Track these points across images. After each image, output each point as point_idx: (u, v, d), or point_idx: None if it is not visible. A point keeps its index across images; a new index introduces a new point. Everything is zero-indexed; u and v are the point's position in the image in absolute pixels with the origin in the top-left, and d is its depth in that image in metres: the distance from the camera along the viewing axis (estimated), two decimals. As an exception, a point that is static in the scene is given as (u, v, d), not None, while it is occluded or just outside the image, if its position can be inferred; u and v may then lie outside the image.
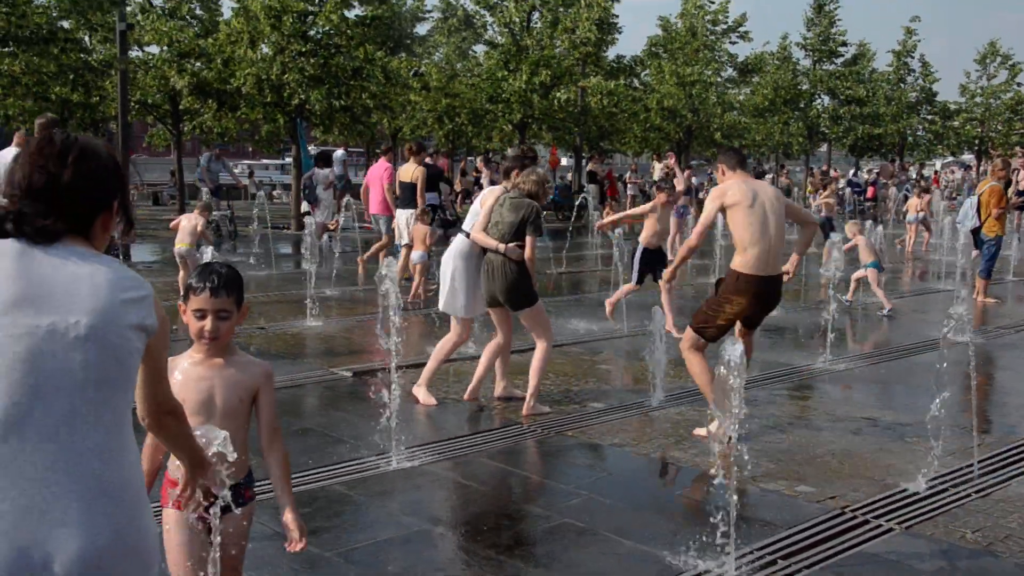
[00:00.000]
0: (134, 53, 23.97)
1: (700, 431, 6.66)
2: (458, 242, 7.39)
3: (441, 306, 7.50)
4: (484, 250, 7.11)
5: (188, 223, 11.56)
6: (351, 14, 23.32)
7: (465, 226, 7.42)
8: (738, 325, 6.78)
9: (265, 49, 22.43)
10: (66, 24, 21.82)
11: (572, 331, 10.59)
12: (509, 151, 7.16)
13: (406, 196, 13.18)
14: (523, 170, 7.25)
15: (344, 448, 6.22)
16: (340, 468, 5.83)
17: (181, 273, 11.60)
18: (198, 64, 22.88)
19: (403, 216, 13.21)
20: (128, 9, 21.84)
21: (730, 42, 38.23)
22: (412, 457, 6.05)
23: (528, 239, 6.91)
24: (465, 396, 7.49)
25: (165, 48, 22.94)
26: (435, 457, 6.09)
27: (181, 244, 11.52)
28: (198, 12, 25.11)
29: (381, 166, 14.34)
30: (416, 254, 12.35)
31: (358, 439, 6.41)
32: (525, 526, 5.05)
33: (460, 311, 7.32)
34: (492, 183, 14.90)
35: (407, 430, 6.47)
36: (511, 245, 6.88)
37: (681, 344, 6.82)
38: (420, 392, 7.37)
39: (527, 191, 7.08)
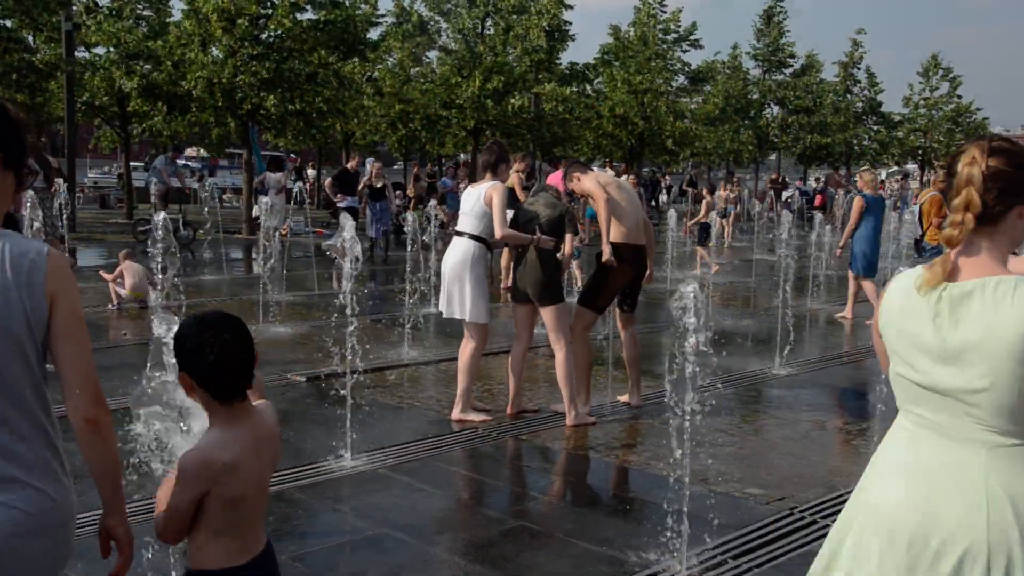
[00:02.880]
0: (81, 54, 23.62)
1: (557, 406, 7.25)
2: (459, 246, 7.06)
3: (446, 313, 7.15)
4: (491, 252, 7.16)
5: (134, 272, 11.37)
6: (304, 18, 23.21)
7: (458, 226, 7.19)
8: (620, 319, 7.50)
9: (216, 52, 22.22)
10: (8, 23, 21.42)
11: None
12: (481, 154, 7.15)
13: None
14: (499, 165, 7.15)
15: (298, 453, 6.19)
16: (294, 473, 5.81)
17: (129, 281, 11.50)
18: (147, 66, 22.60)
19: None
20: (74, 9, 21.51)
21: (681, 51, 38.67)
22: (366, 461, 6.05)
23: (568, 236, 7.14)
24: (508, 412, 7.27)
25: (112, 49, 22.62)
26: (389, 461, 6.09)
27: (138, 294, 11.29)
28: (146, 13, 24.79)
29: None
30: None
31: (312, 444, 6.39)
32: (479, 529, 5.07)
33: (480, 317, 7.03)
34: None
35: (361, 434, 6.46)
36: (545, 237, 6.98)
37: (575, 325, 7.22)
38: (466, 415, 7.09)
39: (557, 192, 7.41)
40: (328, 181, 20.06)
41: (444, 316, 7.26)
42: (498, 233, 6.95)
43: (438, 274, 7.89)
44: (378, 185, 18.64)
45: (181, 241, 18.29)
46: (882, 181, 46.08)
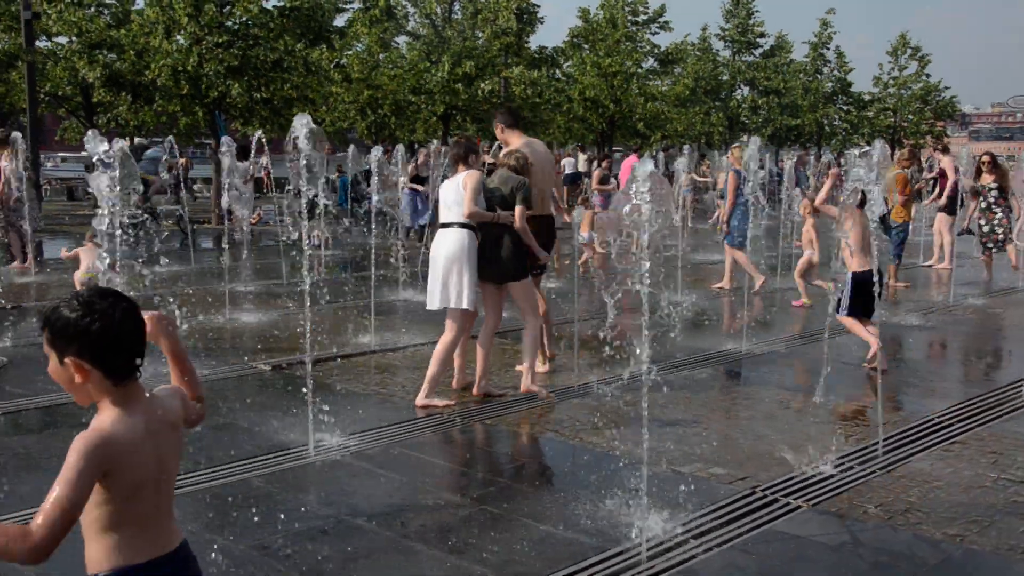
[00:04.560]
0: (42, 43, 23.28)
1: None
2: (452, 235, 7.12)
3: (437, 304, 7.16)
4: (480, 236, 7.19)
5: (88, 254, 11.15)
6: (270, 4, 23.00)
7: (444, 219, 7.25)
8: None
9: (181, 40, 21.96)
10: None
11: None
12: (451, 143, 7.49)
13: None
14: (469, 156, 7.35)
15: (262, 442, 6.16)
16: (257, 461, 5.78)
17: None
18: (111, 55, 22.31)
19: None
20: (34, -2, 21.19)
21: (651, 33, 38.66)
22: (329, 449, 6.03)
23: (517, 208, 7.19)
24: (474, 391, 7.40)
25: (74, 39, 22.31)
26: (353, 449, 6.08)
27: (83, 274, 11.05)
28: (108, 1, 24.46)
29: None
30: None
31: (276, 432, 6.36)
32: (441, 515, 5.08)
33: (473, 304, 7.12)
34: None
35: (325, 423, 6.44)
36: (504, 213, 7.14)
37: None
38: (431, 400, 7.10)
39: (511, 167, 7.43)
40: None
41: (436, 308, 7.22)
42: (465, 211, 7.08)
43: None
44: (424, 174, 18.31)
45: (183, 230, 18.25)
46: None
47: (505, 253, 7.18)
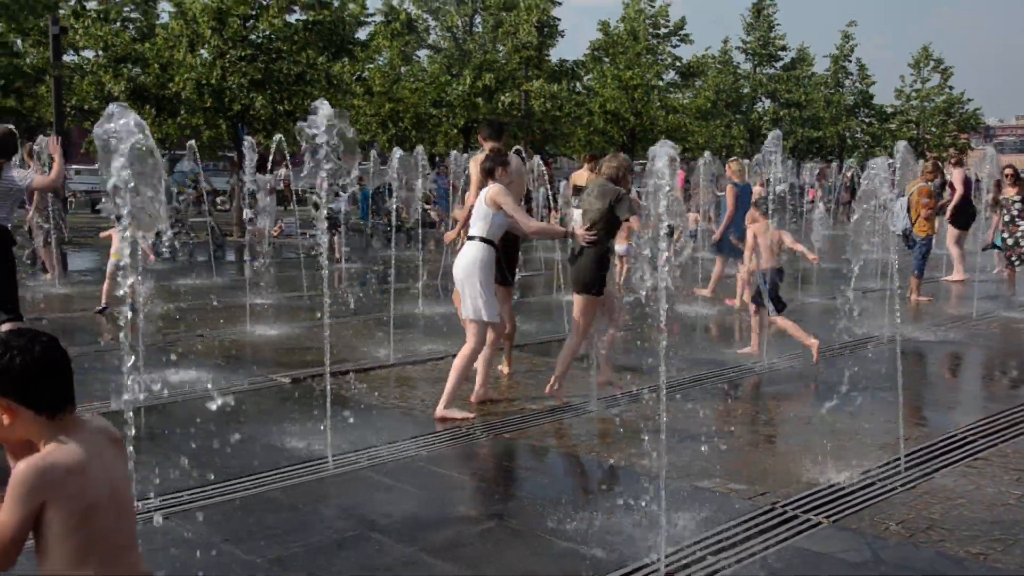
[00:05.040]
0: (69, 57, 23.57)
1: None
2: (468, 249, 7.21)
3: (468, 314, 7.22)
4: (498, 252, 7.28)
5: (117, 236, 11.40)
6: (293, 18, 23.19)
7: (473, 232, 7.27)
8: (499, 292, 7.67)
9: (205, 53, 22.18)
10: (-4, 28, 21.41)
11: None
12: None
13: None
14: (496, 170, 7.31)
15: (281, 454, 6.18)
16: (277, 474, 5.80)
17: (107, 283, 11.58)
18: (135, 69, 22.55)
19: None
20: (61, 13, 21.46)
21: (672, 46, 38.66)
22: (348, 462, 6.04)
23: (632, 219, 7.22)
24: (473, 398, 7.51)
25: (100, 53, 22.58)
26: (371, 462, 6.09)
27: (114, 256, 11.36)
28: (133, 16, 24.74)
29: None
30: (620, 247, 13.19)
31: (295, 445, 6.38)
32: (459, 528, 5.07)
33: (492, 315, 7.16)
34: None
35: (344, 435, 6.46)
36: (581, 232, 7.20)
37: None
38: (449, 412, 7.14)
39: (608, 176, 7.41)
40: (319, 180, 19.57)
41: (464, 316, 7.37)
42: (527, 229, 7.30)
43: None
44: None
45: (216, 243, 18.49)
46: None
47: (583, 263, 7.28)
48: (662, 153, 4.66)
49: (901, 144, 9.34)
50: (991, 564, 4.65)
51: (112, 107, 3.83)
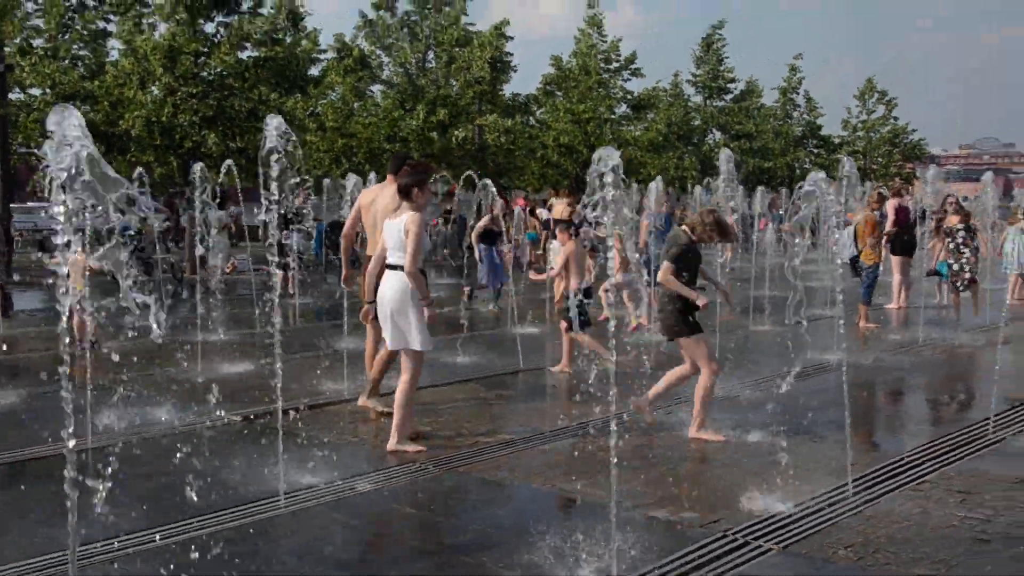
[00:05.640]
0: (15, 95, 23.32)
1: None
2: (395, 279, 7.07)
3: (399, 345, 7.16)
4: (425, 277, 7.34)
5: (79, 262, 11.16)
6: (245, 55, 23.16)
7: (393, 261, 7.12)
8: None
9: (156, 91, 22.07)
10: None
11: (467, 367, 10.65)
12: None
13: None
14: (412, 190, 7.01)
15: (232, 493, 6.12)
16: (228, 513, 5.74)
17: (74, 317, 11.26)
18: (84, 107, 22.36)
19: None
20: (7, 50, 21.25)
21: (623, 79, 39.17)
22: (301, 499, 6.00)
23: (664, 265, 7.53)
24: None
25: (48, 91, 22.38)
26: (325, 499, 6.05)
27: (77, 285, 11.16)
28: (82, 53, 24.56)
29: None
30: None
31: (246, 483, 6.32)
32: (413, 564, 5.05)
33: (427, 344, 7.10)
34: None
35: (297, 472, 6.42)
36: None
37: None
38: (402, 446, 7.16)
39: (690, 225, 7.76)
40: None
41: (392, 348, 7.34)
42: (408, 267, 6.93)
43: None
44: (498, 228, 16.34)
45: (177, 278, 18.42)
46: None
47: (661, 311, 7.61)
48: (608, 160, 4.71)
49: (846, 160, 9.56)
50: (936, 585, 4.74)
51: (58, 108, 3.76)
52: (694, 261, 7.59)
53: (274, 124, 6.38)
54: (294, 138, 6.47)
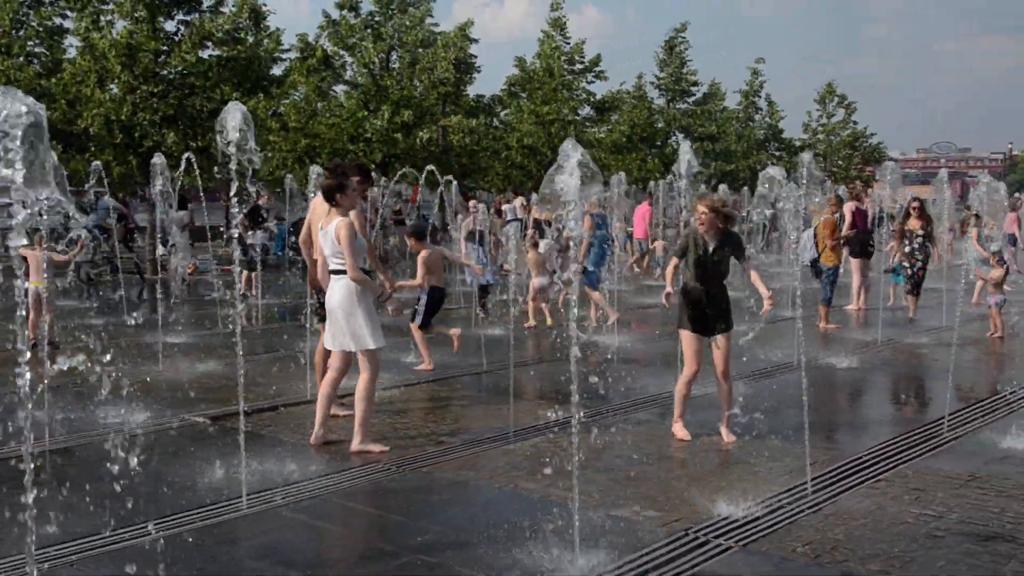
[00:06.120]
0: (-31, 93, 22.94)
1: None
2: (339, 284, 7.10)
3: (345, 347, 7.17)
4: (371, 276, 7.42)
5: (35, 260, 11.04)
6: (206, 54, 22.94)
7: (336, 267, 7.12)
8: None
9: (115, 89, 21.79)
10: None
11: (432, 367, 10.66)
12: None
13: None
14: (336, 194, 7.02)
15: (194, 495, 6.08)
16: (190, 515, 5.70)
17: (31, 315, 11.09)
18: (40, 105, 22.03)
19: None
20: (-39, 47, 20.90)
21: (587, 82, 39.28)
22: (263, 500, 5.97)
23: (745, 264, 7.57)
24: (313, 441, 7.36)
25: (2, 88, 22.01)
26: (286, 500, 6.02)
27: (35, 282, 11.05)
28: (38, 50, 24.19)
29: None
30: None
31: (209, 485, 6.28)
32: (376, 565, 5.05)
33: (379, 341, 7.14)
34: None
35: (258, 473, 6.39)
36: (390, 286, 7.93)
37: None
38: (365, 447, 7.17)
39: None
40: (240, 217, 19.48)
41: (335, 350, 7.28)
42: (350, 273, 6.99)
43: None
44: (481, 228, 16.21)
45: (141, 276, 18.21)
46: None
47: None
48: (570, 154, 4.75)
49: (806, 156, 9.55)
50: (891, 581, 4.83)
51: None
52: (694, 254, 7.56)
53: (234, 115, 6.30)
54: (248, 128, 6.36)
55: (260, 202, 20.33)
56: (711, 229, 7.45)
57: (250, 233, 18.66)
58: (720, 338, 7.50)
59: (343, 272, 7.03)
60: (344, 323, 7.06)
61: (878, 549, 5.24)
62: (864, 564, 5.02)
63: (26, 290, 10.97)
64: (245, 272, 16.84)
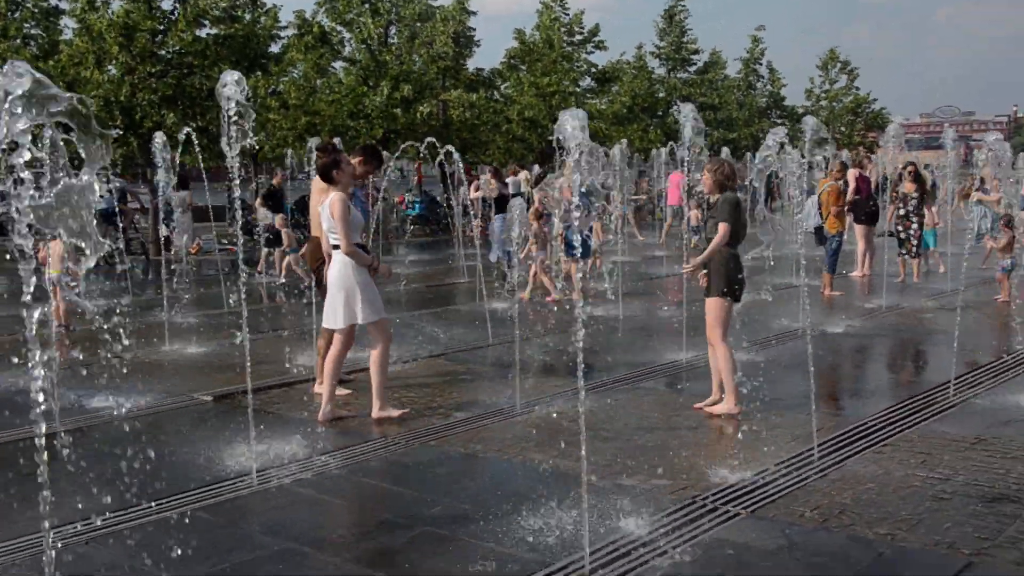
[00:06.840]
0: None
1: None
2: (335, 260, 7.20)
3: (342, 323, 7.23)
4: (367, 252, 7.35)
5: (57, 248, 11.17)
6: (204, 33, 22.82)
7: (334, 241, 7.22)
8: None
9: (113, 70, 21.70)
10: None
11: (436, 342, 10.68)
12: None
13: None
14: (331, 171, 7.18)
15: (204, 473, 6.12)
16: (200, 492, 5.74)
17: (54, 303, 11.20)
18: (40, 87, 21.98)
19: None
20: (-43, 31, 20.82)
21: (587, 52, 39.05)
22: (272, 477, 6.01)
23: (722, 226, 7.30)
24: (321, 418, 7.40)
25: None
26: (296, 476, 6.07)
27: (54, 271, 11.15)
28: (34, 32, 24.07)
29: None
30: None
31: (218, 463, 6.32)
32: (386, 538, 5.10)
33: (380, 312, 7.28)
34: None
35: (268, 451, 6.44)
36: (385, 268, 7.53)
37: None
38: (385, 412, 7.37)
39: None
40: (259, 200, 19.46)
41: (334, 328, 7.33)
42: (344, 248, 7.04)
43: None
44: (494, 195, 16.03)
45: (147, 257, 18.26)
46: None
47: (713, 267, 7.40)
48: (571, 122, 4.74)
49: (810, 119, 9.48)
50: (898, 543, 4.86)
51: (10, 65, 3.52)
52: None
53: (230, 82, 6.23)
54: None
55: (275, 183, 20.42)
56: (711, 192, 7.52)
57: (263, 212, 18.64)
58: (706, 300, 7.52)
59: (339, 247, 7.15)
60: (339, 297, 7.17)
61: (885, 512, 5.27)
62: (871, 527, 5.06)
63: (48, 278, 11.15)
64: (278, 253, 16.99)
